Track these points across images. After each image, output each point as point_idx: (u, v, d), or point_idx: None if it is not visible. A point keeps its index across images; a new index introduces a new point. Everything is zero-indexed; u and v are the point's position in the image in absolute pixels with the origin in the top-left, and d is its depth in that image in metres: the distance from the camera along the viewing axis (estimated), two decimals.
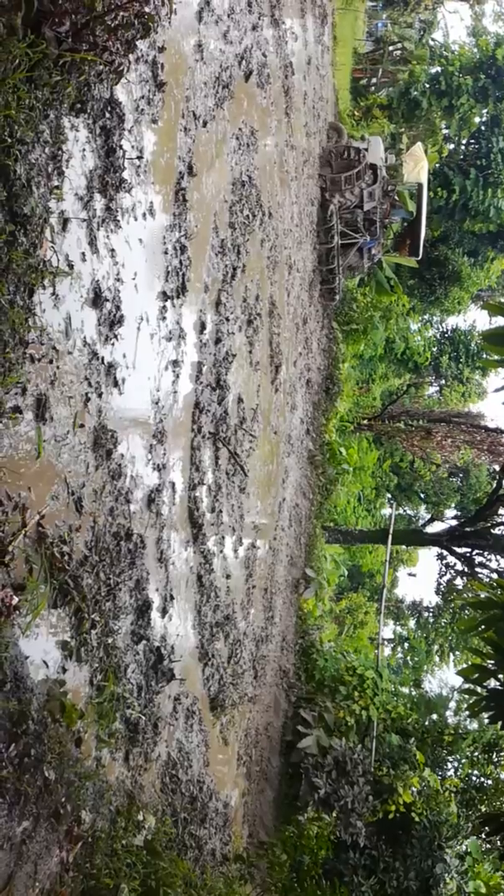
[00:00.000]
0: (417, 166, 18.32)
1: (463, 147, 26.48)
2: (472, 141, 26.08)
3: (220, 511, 6.67)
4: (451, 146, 26.40)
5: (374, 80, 27.64)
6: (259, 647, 8.67)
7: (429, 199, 24.68)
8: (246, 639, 7.86)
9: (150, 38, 4.33)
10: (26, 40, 2.97)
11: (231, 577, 7.17)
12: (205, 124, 5.57)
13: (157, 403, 4.94)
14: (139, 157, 4.30)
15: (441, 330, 33.80)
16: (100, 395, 3.98)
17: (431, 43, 27.58)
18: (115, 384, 4.17)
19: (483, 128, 25.57)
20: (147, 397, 4.82)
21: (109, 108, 3.89)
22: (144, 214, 4.47)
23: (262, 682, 9.00)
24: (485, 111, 25.37)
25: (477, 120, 25.57)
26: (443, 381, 33.23)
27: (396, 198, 17.41)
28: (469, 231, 26.16)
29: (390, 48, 28.58)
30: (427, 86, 24.64)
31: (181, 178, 5.10)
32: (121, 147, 4.01)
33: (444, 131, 26.16)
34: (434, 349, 31.84)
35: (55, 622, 3.59)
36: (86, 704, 3.88)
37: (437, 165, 24.07)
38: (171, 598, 5.24)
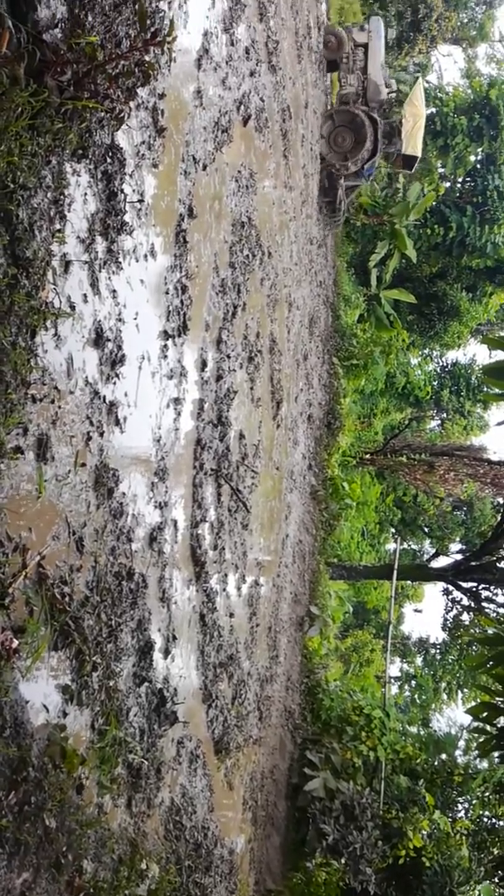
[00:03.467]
0: (416, 125, 18.54)
1: (459, 185, 26.96)
2: (469, 179, 26.57)
3: (223, 548, 6.63)
4: (448, 184, 26.88)
5: None
6: (264, 687, 8.54)
7: (426, 236, 25.10)
8: (250, 679, 7.74)
9: (151, 86, 4.44)
10: (29, 89, 3.04)
11: (234, 615, 7.09)
12: (204, 168, 5.68)
13: (158, 441, 4.95)
14: (140, 201, 4.38)
15: (441, 364, 33.98)
16: (101, 434, 3.98)
17: (426, 85, 28.23)
18: (117, 423, 4.18)
19: (479, 166, 26.07)
20: (149, 435, 4.82)
21: (111, 154, 3.97)
22: (146, 256, 4.53)
23: (268, 723, 8.84)
24: (480, 150, 25.90)
25: (472, 158, 26.09)
26: (444, 415, 33.29)
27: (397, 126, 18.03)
28: (467, 266, 26.49)
29: (388, 91, 29.23)
30: None
31: (182, 219, 5.18)
32: (122, 191, 4.08)
33: (441, 170, 26.66)
34: (435, 383, 31.98)
35: (56, 665, 3.54)
36: (87, 749, 3.81)
37: (434, 203, 24.46)
38: (174, 638, 5.17)
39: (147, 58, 3.98)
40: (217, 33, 5.96)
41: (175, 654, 5.19)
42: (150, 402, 4.80)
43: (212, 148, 5.85)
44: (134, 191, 4.27)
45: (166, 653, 5.02)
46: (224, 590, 6.70)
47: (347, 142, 16.12)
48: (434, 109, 25.68)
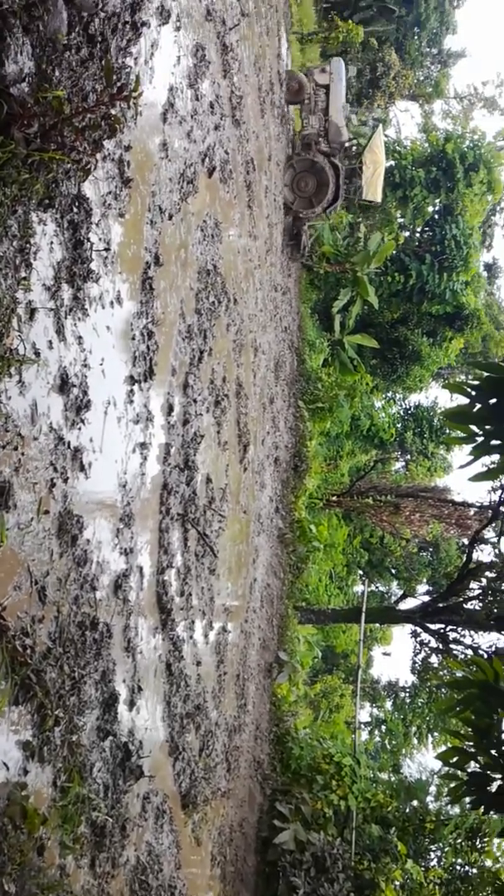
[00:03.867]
0: (376, 172, 19.05)
1: (418, 234, 27.84)
2: (427, 228, 27.46)
3: (190, 594, 6.54)
4: (407, 233, 27.73)
5: None
6: (232, 737, 8.36)
7: (387, 283, 25.74)
8: (218, 729, 7.57)
9: (117, 138, 4.53)
10: None
11: (202, 664, 6.97)
12: (170, 217, 5.78)
13: (124, 486, 4.91)
14: (107, 249, 4.42)
15: (404, 407, 34.56)
16: (65, 480, 3.94)
17: (385, 139, 29.32)
18: (82, 468, 4.14)
19: (436, 216, 27.00)
20: (114, 480, 4.78)
21: (77, 204, 4.02)
22: (112, 303, 4.56)
23: (236, 774, 8.63)
24: (437, 201, 26.86)
25: (430, 209, 27.02)
26: (408, 457, 33.72)
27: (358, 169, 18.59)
28: (427, 312, 27.19)
29: (347, 144, 30.27)
30: None
31: (148, 267, 5.24)
32: (88, 239, 4.12)
33: (400, 220, 27.53)
34: (398, 425, 32.47)
35: (16, 720, 3.42)
36: (49, 808, 3.66)
37: (394, 252, 25.18)
38: (139, 689, 5.05)
39: (113, 111, 4.07)
40: (182, 88, 6.13)
41: (140, 706, 5.07)
42: (115, 448, 4.78)
43: (178, 198, 5.96)
44: (100, 239, 4.32)
45: (131, 704, 4.90)
46: (191, 637, 6.60)
47: (310, 186, 16.69)
48: (393, 162, 26.62)
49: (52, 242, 3.76)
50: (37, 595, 3.59)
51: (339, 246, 23.09)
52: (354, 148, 28.85)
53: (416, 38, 42.01)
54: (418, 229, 27.70)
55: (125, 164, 4.69)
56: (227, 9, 7.99)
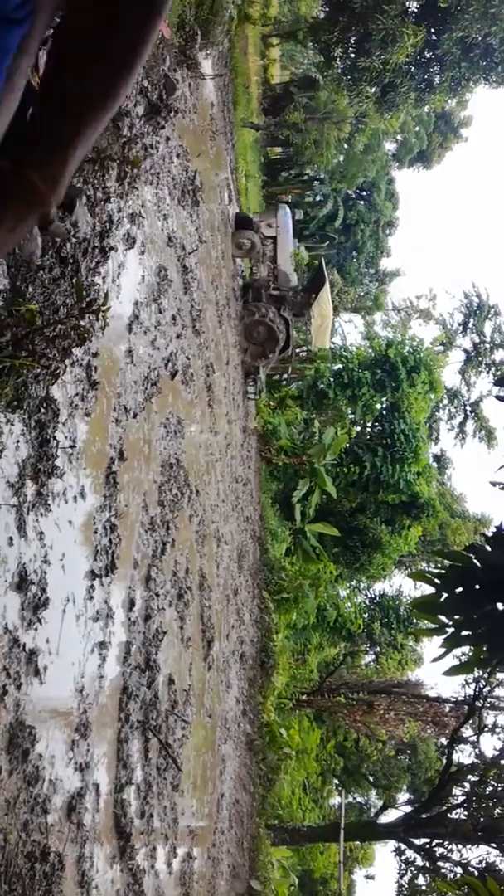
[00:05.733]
0: (324, 324, 19.86)
1: (369, 429, 29.34)
2: (377, 423, 29.02)
3: (151, 815, 5.90)
4: (358, 428, 29.22)
5: (284, 376, 31.17)
6: None
7: (343, 474, 26.61)
8: None
9: (86, 346, 4.80)
10: None
11: None
12: (135, 416, 6.00)
13: (81, 691, 4.58)
14: (72, 446, 4.51)
15: (370, 596, 34.20)
16: (18, 687, 3.66)
17: (331, 345, 31.82)
18: (37, 673, 3.88)
19: (384, 413, 28.66)
20: (70, 685, 4.47)
21: (45, 405, 4.15)
22: (75, 497, 4.56)
23: None
24: (384, 399, 28.65)
25: (378, 406, 28.74)
26: (378, 649, 32.76)
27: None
28: (384, 501, 27.91)
29: (297, 350, 32.75)
30: (332, 379, 27.95)
31: (112, 462, 5.33)
32: (54, 437, 4.21)
33: (351, 416, 29.10)
34: (365, 615, 31.88)
35: None
36: None
37: (347, 445, 26.34)
38: None
39: (83, 323, 4.35)
40: (147, 302, 6.65)
41: None
42: (73, 648, 4.52)
43: (142, 398, 6.23)
44: (66, 437, 4.42)
45: None
46: (152, 867, 5.85)
47: (262, 334, 17.82)
48: (341, 365, 28.71)
49: (18, 441, 3.82)
50: None
51: (296, 439, 24.11)
52: (305, 354, 31.22)
53: (354, 260, 47.32)
54: (368, 424, 29.26)
55: (93, 368, 4.93)
56: (186, 236, 8.93)
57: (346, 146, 38.08)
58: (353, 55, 21.97)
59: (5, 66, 0.93)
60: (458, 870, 18.91)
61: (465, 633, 6.07)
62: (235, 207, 17.68)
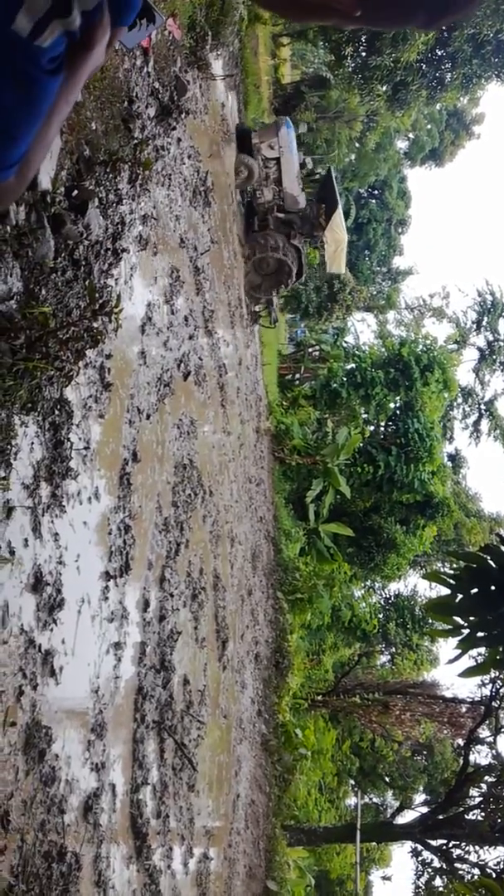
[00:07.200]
0: (338, 249, 18.99)
1: (382, 428, 29.22)
2: (391, 423, 28.88)
3: (167, 816, 5.91)
4: (372, 428, 29.11)
5: (297, 376, 31.11)
6: None
7: (357, 473, 26.54)
8: None
9: (99, 348, 4.82)
10: None
11: None
12: (148, 417, 6.01)
13: (96, 692, 4.60)
14: (86, 448, 4.53)
15: (385, 596, 34.06)
16: (35, 688, 3.68)
17: (345, 345, 31.77)
18: (52, 673, 3.90)
19: (398, 412, 28.52)
20: (86, 686, 4.49)
21: (59, 407, 4.17)
22: (90, 498, 4.58)
23: None
24: (398, 398, 28.51)
25: (392, 405, 28.60)
26: (393, 649, 32.62)
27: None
28: (398, 501, 27.76)
29: (309, 349, 32.69)
30: (345, 379, 27.85)
31: (126, 464, 5.34)
32: (68, 439, 4.22)
33: (364, 415, 28.99)
34: (380, 615, 31.75)
35: None
36: None
37: (361, 444, 26.24)
38: None
39: (95, 325, 4.37)
40: (159, 304, 6.66)
41: None
42: (88, 649, 4.54)
43: (155, 399, 6.24)
44: (80, 439, 4.43)
45: None
46: (169, 867, 5.86)
47: (272, 265, 16.59)
48: (354, 365, 28.59)
49: (32, 443, 3.84)
50: (0, 822, 3.21)
51: (309, 439, 24.05)
52: (317, 353, 31.02)
53: (367, 259, 47.20)
54: (382, 424, 29.13)
55: (106, 370, 4.95)
56: (198, 237, 8.94)
57: (357, 145, 38.02)
58: (363, 53, 21.92)
59: (47, 107, 1.09)
60: (476, 871, 18.79)
61: (480, 634, 6.03)
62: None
